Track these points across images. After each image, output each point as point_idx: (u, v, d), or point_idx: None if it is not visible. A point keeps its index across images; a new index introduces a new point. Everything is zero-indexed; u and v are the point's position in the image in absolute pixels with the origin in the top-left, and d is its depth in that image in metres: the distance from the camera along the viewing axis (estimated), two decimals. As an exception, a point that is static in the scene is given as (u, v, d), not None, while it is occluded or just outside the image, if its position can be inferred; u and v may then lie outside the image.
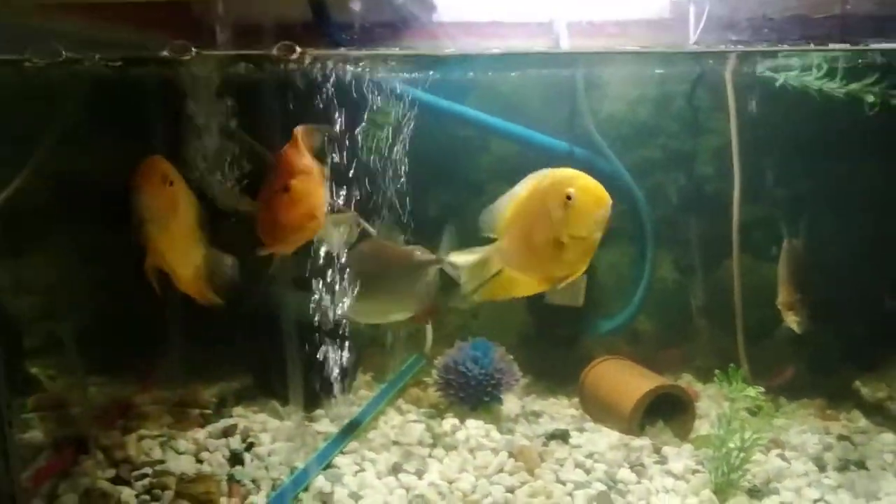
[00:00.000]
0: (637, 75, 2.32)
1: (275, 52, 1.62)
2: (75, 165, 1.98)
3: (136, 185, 1.57)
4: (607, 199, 1.42)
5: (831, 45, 1.53)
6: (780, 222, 2.12)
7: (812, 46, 1.56)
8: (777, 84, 1.98)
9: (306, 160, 1.59)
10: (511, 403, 2.22)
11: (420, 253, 1.86)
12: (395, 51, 1.73)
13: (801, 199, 2.23)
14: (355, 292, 1.82)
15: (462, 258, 1.65)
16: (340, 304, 2.06)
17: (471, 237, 2.37)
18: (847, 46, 1.57)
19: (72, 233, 2.00)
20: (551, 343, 2.45)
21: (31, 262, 2.01)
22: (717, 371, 1.79)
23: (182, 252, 1.67)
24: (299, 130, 1.62)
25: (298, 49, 1.58)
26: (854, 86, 1.90)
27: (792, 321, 1.97)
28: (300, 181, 1.55)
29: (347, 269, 1.83)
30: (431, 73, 2.14)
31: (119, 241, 2.05)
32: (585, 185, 1.43)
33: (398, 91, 2.06)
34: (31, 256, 2.00)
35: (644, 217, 2.37)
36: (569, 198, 1.41)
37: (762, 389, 1.74)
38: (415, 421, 2.10)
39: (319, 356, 2.05)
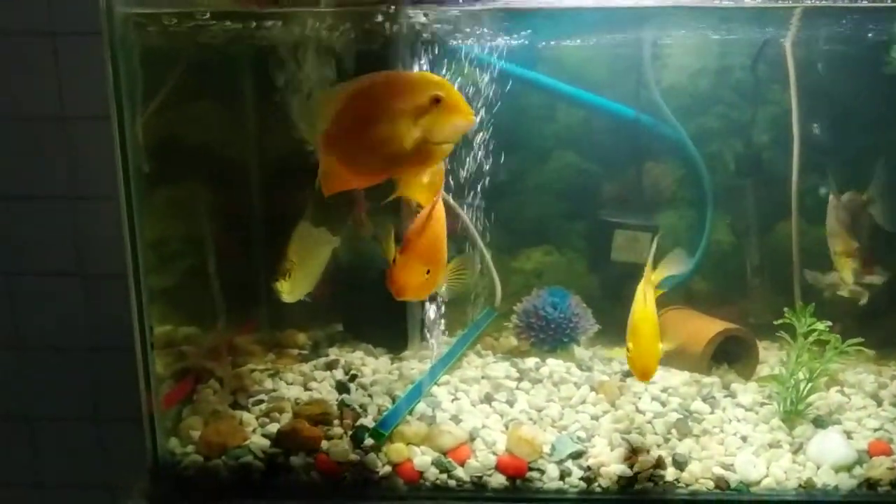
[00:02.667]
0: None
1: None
2: (182, 127, 2.16)
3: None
4: None
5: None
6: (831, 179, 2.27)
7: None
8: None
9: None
10: (580, 352, 2.38)
11: (324, 232, 2.08)
12: (494, 5, 1.88)
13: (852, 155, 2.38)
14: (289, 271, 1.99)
15: None
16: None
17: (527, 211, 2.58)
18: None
19: (184, 190, 2.17)
20: (614, 299, 2.61)
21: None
22: (786, 309, 1.96)
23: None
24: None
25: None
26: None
27: (850, 269, 2.11)
28: None
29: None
30: (503, 35, 2.30)
31: (224, 197, 2.27)
32: None
33: (474, 55, 2.22)
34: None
35: (705, 183, 2.52)
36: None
37: (830, 324, 1.91)
38: (495, 362, 2.28)
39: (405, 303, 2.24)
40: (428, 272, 1.66)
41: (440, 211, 1.74)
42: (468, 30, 2.17)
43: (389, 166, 1.60)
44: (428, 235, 1.69)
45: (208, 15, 1.74)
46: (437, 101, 1.52)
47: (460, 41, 2.21)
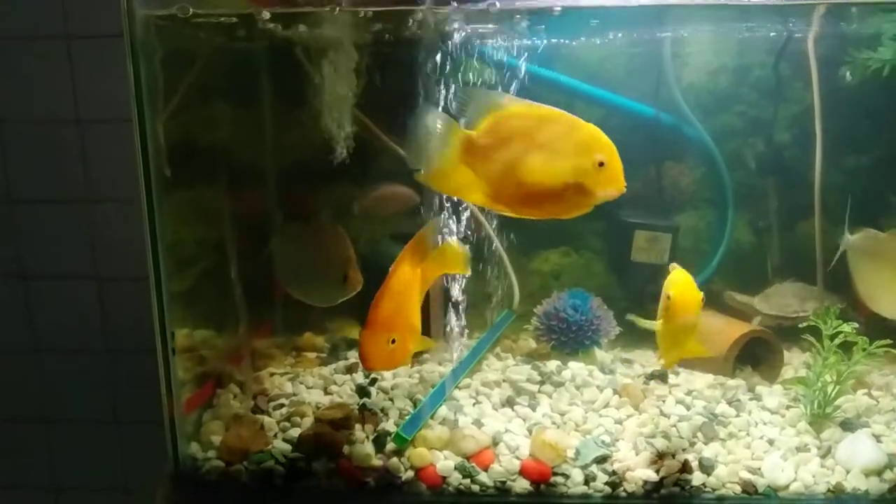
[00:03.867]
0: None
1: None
2: (201, 129, 2.14)
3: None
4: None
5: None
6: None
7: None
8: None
9: None
10: (602, 354, 2.35)
11: None
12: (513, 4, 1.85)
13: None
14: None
15: None
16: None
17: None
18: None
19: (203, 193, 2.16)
20: (633, 300, 2.59)
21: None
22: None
23: None
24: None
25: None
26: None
27: None
28: None
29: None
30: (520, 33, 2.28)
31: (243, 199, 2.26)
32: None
33: (490, 54, 2.21)
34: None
35: (726, 183, 2.49)
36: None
37: (857, 325, 1.88)
38: (515, 365, 2.26)
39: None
40: (393, 342, 1.65)
41: (405, 278, 1.72)
42: (486, 29, 2.15)
43: (526, 202, 1.59)
44: (388, 305, 1.68)
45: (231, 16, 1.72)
46: (601, 164, 1.53)
47: (479, 40, 2.19)
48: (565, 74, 2.44)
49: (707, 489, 1.77)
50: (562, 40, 2.39)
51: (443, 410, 1.95)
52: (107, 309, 2.51)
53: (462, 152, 1.59)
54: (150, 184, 1.70)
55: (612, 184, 1.55)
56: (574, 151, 1.54)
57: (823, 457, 1.83)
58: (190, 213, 2.03)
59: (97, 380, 2.55)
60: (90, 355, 2.53)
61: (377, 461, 1.80)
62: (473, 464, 1.80)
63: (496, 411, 1.98)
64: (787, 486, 1.76)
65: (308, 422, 1.91)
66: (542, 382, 2.11)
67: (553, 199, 1.57)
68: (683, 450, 1.84)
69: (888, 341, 1.88)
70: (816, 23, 2.16)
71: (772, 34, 2.30)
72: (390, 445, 1.82)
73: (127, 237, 2.31)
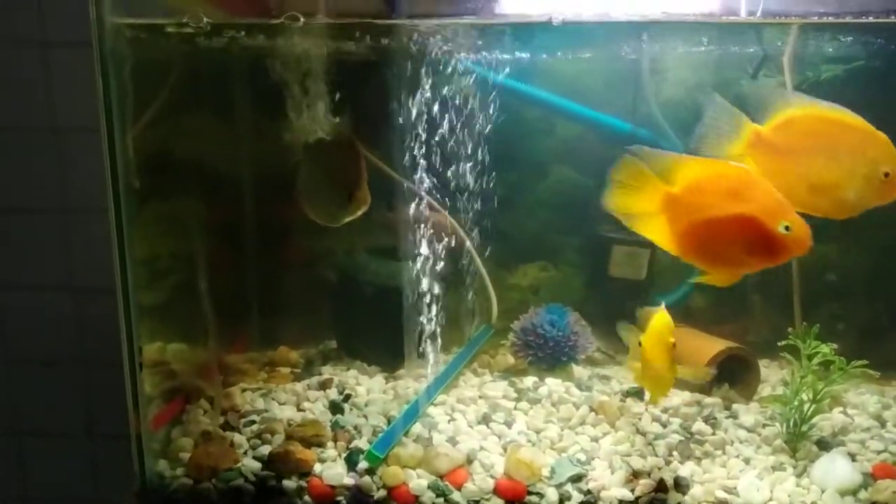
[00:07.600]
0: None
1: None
2: (173, 140, 2.10)
3: None
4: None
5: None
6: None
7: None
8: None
9: None
10: (579, 370, 2.33)
11: None
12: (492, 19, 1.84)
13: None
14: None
15: None
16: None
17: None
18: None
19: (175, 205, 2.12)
20: (611, 316, 2.57)
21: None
22: (790, 329, 1.93)
23: None
24: None
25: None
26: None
27: None
28: None
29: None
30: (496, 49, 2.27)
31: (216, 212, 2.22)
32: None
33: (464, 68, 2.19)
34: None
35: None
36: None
37: (836, 346, 1.88)
38: (492, 381, 2.24)
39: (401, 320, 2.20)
40: None
41: None
42: (464, 43, 2.14)
43: (803, 202, 1.59)
44: None
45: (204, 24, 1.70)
46: (886, 175, 1.57)
47: (456, 54, 2.18)
48: (543, 90, 2.45)
49: (682, 509, 1.75)
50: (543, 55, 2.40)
51: (417, 428, 1.92)
52: (81, 320, 2.46)
53: (747, 145, 1.62)
54: (118, 195, 1.66)
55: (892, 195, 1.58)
56: (863, 161, 1.57)
57: (799, 476, 1.82)
58: (161, 224, 2.00)
59: (71, 392, 2.49)
60: (64, 367, 2.48)
61: (349, 480, 1.77)
62: (447, 482, 1.77)
63: (471, 428, 1.95)
64: (762, 506, 1.76)
65: (279, 439, 1.87)
66: (518, 399, 2.09)
67: (835, 202, 1.61)
68: (659, 468, 1.82)
69: (865, 361, 1.88)
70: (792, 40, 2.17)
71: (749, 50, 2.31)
72: (362, 463, 1.79)
73: (102, 247, 2.28)
